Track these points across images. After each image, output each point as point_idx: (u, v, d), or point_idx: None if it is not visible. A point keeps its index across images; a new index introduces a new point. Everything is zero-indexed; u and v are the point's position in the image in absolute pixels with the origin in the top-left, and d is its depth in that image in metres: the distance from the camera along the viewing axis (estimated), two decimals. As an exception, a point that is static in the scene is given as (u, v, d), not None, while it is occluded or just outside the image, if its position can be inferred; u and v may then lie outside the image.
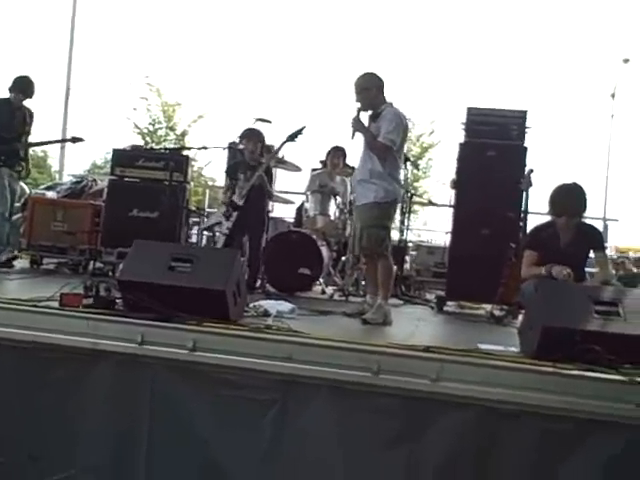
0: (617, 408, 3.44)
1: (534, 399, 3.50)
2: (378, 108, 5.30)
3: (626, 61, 16.75)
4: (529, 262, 5.07)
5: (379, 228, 5.24)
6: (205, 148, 7.20)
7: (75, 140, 7.41)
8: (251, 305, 4.82)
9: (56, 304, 4.18)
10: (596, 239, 5.18)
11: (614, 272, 10.93)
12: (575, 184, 5.18)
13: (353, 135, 5.32)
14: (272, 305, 4.87)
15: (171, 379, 3.85)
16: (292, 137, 6.43)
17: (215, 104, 29.42)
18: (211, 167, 20.93)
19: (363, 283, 7.50)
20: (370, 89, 5.28)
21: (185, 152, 8.42)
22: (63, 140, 9.37)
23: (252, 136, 6.96)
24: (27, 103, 7.06)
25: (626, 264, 10.96)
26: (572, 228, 5.06)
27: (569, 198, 5.08)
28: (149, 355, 3.85)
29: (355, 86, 5.31)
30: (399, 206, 8.10)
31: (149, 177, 7.61)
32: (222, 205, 7.02)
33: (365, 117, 5.36)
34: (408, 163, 8.52)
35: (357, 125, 5.28)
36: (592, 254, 5.11)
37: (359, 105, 5.28)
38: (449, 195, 7.38)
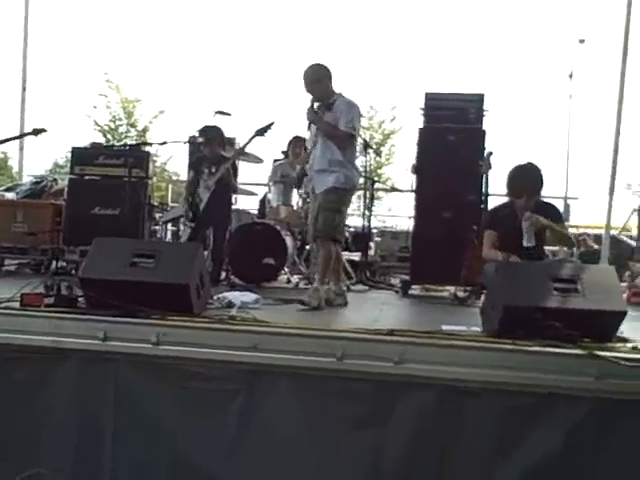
0: (577, 381, 3.50)
1: (496, 376, 3.55)
2: (330, 98, 5.36)
3: (582, 41, 16.95)
4: (489, 242, 5.17)
5: (335, 212, 5.29)
6: (165, 143, 7.12)
7: (37, 132, 7.23)
8: (215, 297, 4.82)
9: (17, 305, 4.13)
10: (554, 214, 5.26)
11: (575, 250, 11.12)
12: (530, 164, 5.27)
13: (309, 127, 5.38)
14: (236, 296, 4.88)
15: (135, 374, 3.84)
16: (261, 132, 6.39)
17: (175, 99, 29.08)
18: (174, 162, 20.83)
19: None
20: (321, 80, 5.33)
21: (146, 148, 8.36)
22: (24, 135, 9.03)
23: (211, 136, 6.93)
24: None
25: (587, 241, 11.08)
26: (530, 207, 5.14)
27: (526, 179, 5.17)
28: (112, 351, 3.84)
29: (305, 78, 5.33)
30: (362, 193, 8.20)
31: (110, 174, 7.57)
32: (185, 199, 6.99)
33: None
34: (370, 150, 8.59)
35: (312, 116, 5.35)
36: None
37: (311, 97, 5.33)
38: (411, 180, 7.41)
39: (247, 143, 6.64)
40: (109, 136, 21.47)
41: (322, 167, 5.34)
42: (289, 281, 7.21)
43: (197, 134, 7.30)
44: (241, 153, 7.13)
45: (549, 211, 5.23)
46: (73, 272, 6.64)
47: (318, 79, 5.31)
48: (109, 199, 7.37)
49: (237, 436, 3.74)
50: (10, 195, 9.23)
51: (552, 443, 3.50)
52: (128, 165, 6.98)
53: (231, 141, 7.59)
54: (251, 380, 3.75)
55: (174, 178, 18.20)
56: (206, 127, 7.07)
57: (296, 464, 3.67)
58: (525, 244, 4.97)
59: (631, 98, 11.38)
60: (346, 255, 8.02)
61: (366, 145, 8.55)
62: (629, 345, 3.75)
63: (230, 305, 4.65)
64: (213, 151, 6.87)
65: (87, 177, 7.68)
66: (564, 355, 3.56)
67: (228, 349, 3.77)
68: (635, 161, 20.76)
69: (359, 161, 7.96)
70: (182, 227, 7.25)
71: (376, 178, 12.40)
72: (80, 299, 4.26)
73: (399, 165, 21.47)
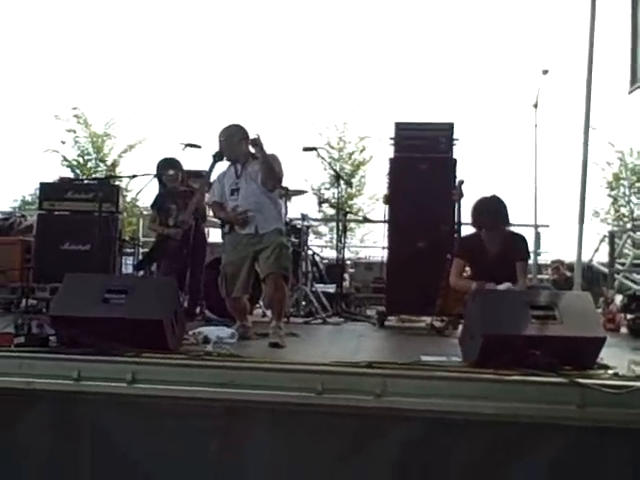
0: (559, 410, 3.49)
1: (478, 407, 3.51)
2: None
3: (545, 72, 17.21)
4: (457, 270, 5.25)
5: (287, 250, 5.46)
6: (135, 176, 7.02)
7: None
8: (190, 333, 4.73)
9: (-14, 345, 4.02)
10: (520, 250, 5.28)
11: (547, 277, 11.20)
12: (493, 197, 5.33)
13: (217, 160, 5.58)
14: (212, 331, 4.79)
15: (111, 414, 3.75)
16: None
17: (146, 133, 29.03)
18: (145, 196, 20.65)
19: (304, 303, 7.48)
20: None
21: (116, 182, 8.26)
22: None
23: (170, 167, 6.84)
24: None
25: (560, 269, 11.14)
26: (498, 239, 5.19)
27: (483, 213, 5.24)
28: (87, 391, 3.74)
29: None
30: (335, 224, 8.17)
31: (79, 209, 7.46)
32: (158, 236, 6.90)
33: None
34: (341, 181, 8.60)
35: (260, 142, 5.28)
36: None
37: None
38: (383, 211, 7.38)
39: (209, 171, 6.44)
40: (78, 171, 21.28)
41: (264, 207, 5.37)
42: (264, 315, 7.12)
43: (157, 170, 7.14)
44: (207, 184, 7.04)
45: (515, 246, 5.25)
46: (44, 310, 6.51)
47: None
48: (79, 234, 7.26)
49: (217, 474, 3.65)
50: (-23, 232, 9.05)
51: (537, 474, 3.46)
52: (98, 199, 6.89)
53: (199, 174, 7.48)
54: (229, 417, 3.67)
55: (146, 213, 18.05)
56: (165, 160, 6.97)
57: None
58: None
59: (596, 127, 11.56)
60: (321, 287, 7.97)
61: (338, 177, 8.58)
62: (610, 372, 3.74)
63: (206, 340, 4.57)
64: (175, 181, 6.80)
65: (56, 212, 7.56)
66: (546, 384, 3.54)
67: (205, 386, 3.69)
68: (600, 189, 21.09)
69: (330, 192, 7.90)
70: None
71: (348, 209, 12.43)
72: (52, 338, 4.15)
73: (369, 196, 21.52)
